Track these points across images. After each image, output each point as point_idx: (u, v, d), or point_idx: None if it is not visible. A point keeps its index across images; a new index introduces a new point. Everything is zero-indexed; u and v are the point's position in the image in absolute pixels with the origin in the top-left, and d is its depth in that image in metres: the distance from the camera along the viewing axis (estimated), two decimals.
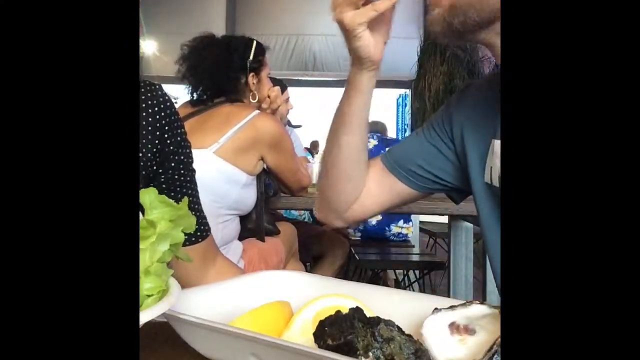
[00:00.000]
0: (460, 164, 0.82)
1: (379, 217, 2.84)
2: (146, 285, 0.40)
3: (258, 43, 1.68)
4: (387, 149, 0.91)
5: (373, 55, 0.70)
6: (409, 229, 2.92)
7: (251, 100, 1.66)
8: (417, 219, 3.09)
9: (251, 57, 1.63)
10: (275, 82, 1.87)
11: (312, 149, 6.26)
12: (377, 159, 0.88)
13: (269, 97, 1.69)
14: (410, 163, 0.84)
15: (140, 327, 0.34)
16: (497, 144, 0.74)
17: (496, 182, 0.74)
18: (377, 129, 3.31)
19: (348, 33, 0.67)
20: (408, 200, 0.88)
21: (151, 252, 0.41)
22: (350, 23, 0.66)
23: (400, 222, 2.88)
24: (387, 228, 2.88)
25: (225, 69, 1.58)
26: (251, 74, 1.64)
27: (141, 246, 0.40)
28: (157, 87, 0.72)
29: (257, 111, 1.54)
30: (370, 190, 0.85)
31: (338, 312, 0.43)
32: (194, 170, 0.77)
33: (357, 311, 0.43)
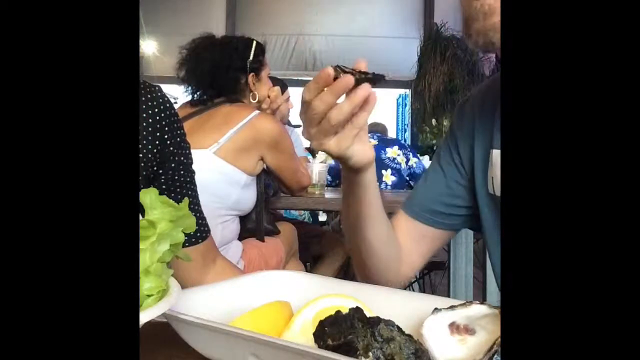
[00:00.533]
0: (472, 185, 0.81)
1: None
2: (146, 285, 0.40)
3: (258, 43, 1.68)
4: (405, 200, 0.88)
5: (368, 159, 0.66)
6: None
7: (251, 100, 1.66)
8: None
9: (251, 58, 1.63)
10: (275, 81, 1.87)
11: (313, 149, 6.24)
12: (400, 214, 0.86)
13: (269, 97, 1.69)
14: (433, 204, 0.83)
15: (140, 327, 0.34)
16: (495, 153, 0.74)
17: (498, 192, 0.74)
18: (377, 129, 3.30)
19: (339, 158, 0.64)
20: (445, 240, 0.87)
21: (151, 252, 0.41)
22: (338, 149, 0.62)
23: None
24: None
25: (225, 69, 1.58)
26: (251, 74, 1.64)
27: (141, 246, 0.40)
28: (157, 88, 0.72)
29: (257, 111, 1.54)
30: (409, 246, 0.83)
31: (338, 312, 0.43)
32: (193, 172, 0.78)
33: (357, 311, 0.43)
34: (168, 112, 0.71)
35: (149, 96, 0.70)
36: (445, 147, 0.85)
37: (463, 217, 0.84)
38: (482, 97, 0.81)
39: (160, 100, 0.71)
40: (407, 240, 0.84)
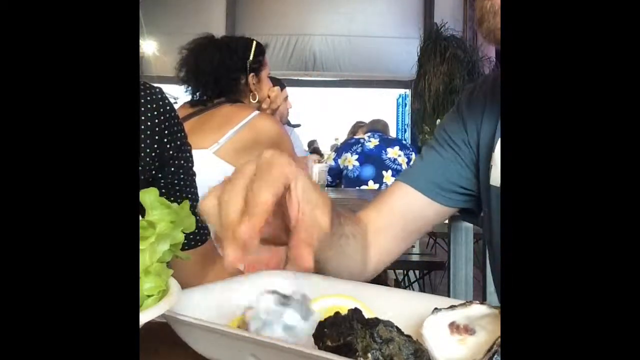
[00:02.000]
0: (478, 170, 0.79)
1: None
2: (146, 285, 0.40)
3: (258, 43, 1.68)
4: (404, 172, 0.84)
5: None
6: None
7: (251, 100, 1.66)
8: None
9: (251, 58, 1.63)
10: (273, 81, 1.87)
11: (313, 151, 6.25)
12: (400, 185, 0.81)
13: (269, 97, 1.69)
14: (444, 180, 0.79)
15: (140, 327, 0.34)
16: (499, 143, 0.74)
17: (494, 182, 0.74)
18: (378, 127, 3.25)
19: None
20: (445, 217, 0.82)
21: (151, 252, 0.41)
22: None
23: None
24: None
25: (225, 70, 1.58)
26: (251, 75, 1.64)
27: (141, 246, 0.40)
28: (157, 90, 0.71)
29: (257, 111, 1.54)
30: (393, 231, 0.79)
31: (337, 313, 0.43)
32: (194, 174, 0.77)
33: (355, 312, 0.43)
34: (168, 115, 0.71)
35: (149, 98, 0.69)
36: (454, 124, 0.82)
37: (473, 198, 0.81)
38: (493, 83, 0.80)
39: (161, 102, 0.70)
40: (397, 220, 0.79)
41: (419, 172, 0.82)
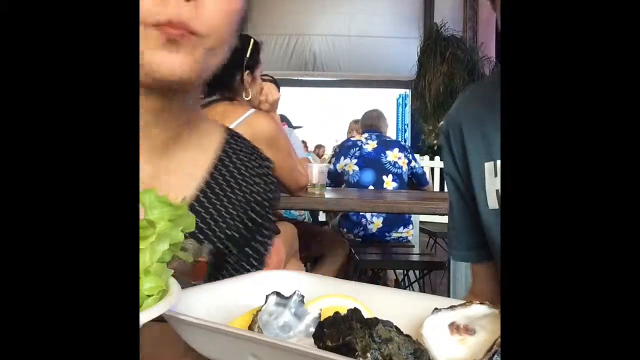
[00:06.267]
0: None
1: (379, 225, 2.82)
2: (146, 285, 0.40)
3: (255, 41, 1.68)
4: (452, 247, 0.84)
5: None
6: (409, 232, 2.91)
7: (244, 97, 1.65)
8: (417, 219, 3.08)
9: (248, 55, 1.63)
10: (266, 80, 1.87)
11: (318, 155, 6.25)
12: (471, 266, 0.83)
13: (261, 91, 1.69)
14: (469, 235, 0.80)
15: (140, 327, 0.34)
16: (488, 165, 0.73)
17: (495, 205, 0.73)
18: (372, 121, 3.12)
19: None
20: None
21: (151, 252, 0.41)
22: None
23: (400, 228, 2.87)
24: (387, 234, 2.86)
25: (222, 65, 1.58)
26: (247, 72, 1.64)
27: (141, 246, 0.40)
28: None
29: (253, 109, 1.54)
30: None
31: (337, 313, 0.43)
32: None
33: (355, 312, 0.43)
34: None
35: None
36: (449, 166, 0.82)
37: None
38: (471, 110, 0.79)
39: None
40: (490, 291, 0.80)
41: (458, 244, 0.83)
